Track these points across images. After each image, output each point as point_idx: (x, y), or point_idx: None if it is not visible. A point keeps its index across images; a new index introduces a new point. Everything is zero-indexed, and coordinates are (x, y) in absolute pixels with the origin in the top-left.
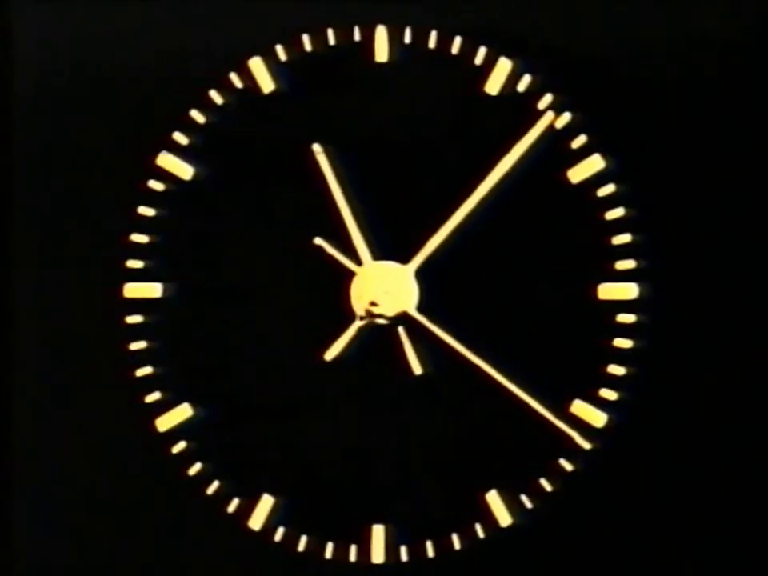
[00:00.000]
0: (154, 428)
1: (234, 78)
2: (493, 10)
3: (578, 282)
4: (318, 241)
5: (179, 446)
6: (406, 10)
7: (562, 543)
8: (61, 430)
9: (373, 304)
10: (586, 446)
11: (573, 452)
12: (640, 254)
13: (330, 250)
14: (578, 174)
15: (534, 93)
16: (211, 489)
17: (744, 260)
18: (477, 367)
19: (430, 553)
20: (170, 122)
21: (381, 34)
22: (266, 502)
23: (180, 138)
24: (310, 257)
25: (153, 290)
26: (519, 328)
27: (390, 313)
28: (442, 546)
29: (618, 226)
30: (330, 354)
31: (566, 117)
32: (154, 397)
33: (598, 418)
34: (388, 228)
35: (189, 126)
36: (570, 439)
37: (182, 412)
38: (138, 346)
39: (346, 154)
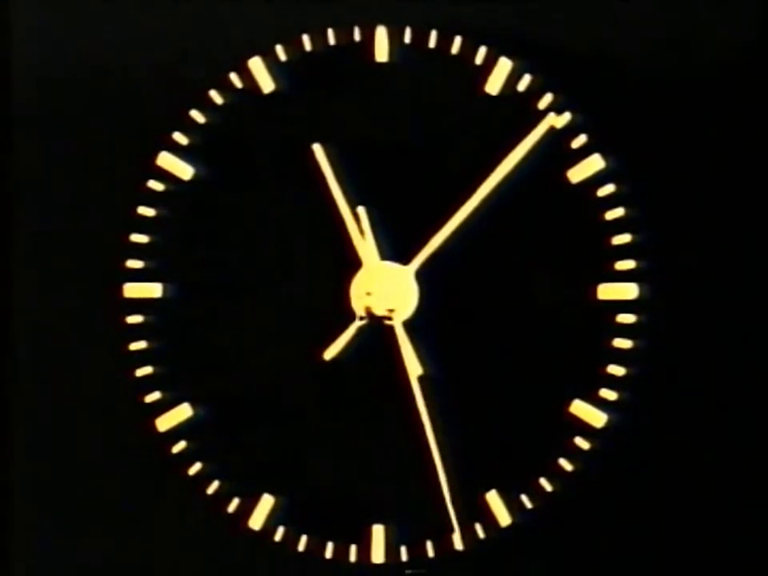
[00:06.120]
0: (154, 428)
1: (234, 77)
2: (493, 10)
3: (578, 282)
4: (359, 209)
5: (179, 446)
6: (406, 9)
7: (562, 543)
8: (61, 429)
9: (368, 294)
10: (584, 446)
11: (573, 452)
12: (640, 254)
13: (365, 224)
14: (577, 173)
15: (534, 93)
16: (211, 489)
17: (744, 260)
18: (473, 368)
19: (430, 553)
20: (169, 122)
21: (381, 34)
22: (266, 502)
23: (180, 137)
24: (309, 257)
25: (153, 290)
26: (519, 328)
27: (380, 312)
28: (442, 545)
29: (618, 226)
30: (329, 354)
31: (566, 117)
32: (153, 397)
33: (598, 418)
34: (388, 228)
35: (189, 126)
36: (570, 439)
37: (182, 412)
38: (137, 346)
39: (346, 154)
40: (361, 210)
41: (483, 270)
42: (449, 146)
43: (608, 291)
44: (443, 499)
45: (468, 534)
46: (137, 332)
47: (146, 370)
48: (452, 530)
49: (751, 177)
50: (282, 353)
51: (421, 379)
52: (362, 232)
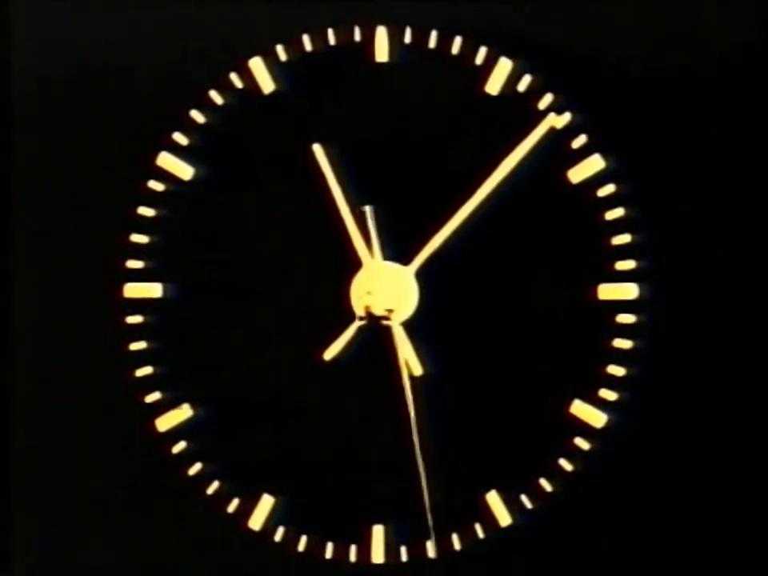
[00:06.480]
0: (154, 428)
1: (234, 77)
2: (493, 10)
3: (578, 282)
4: (366, 207)
5: (179, 446)
6: (406, 9)
7: (562, 543)
8: (61, 429)
9: (368, 294)
10: (584, 446)
11: (573, 452)
12: (640, 254)
13: (370, 222)
14: (578, 174)
15: (534, 93)
16: (211, 489)
17: (744, 260)
18: (474, 368)
19: (430, 553)
20: (170, 122)
21: (381, 34)
22: (266, 502)
23: (180, 137)
24: (309, 257)
25: (153, 290)
26: (519, 328)
27: (380, 312)
28: (442, 546)
29: (618, 226)
30: (329, 354)
31: (566, 117)
32: (154, 397)
33: (597, 418)
34: (388, 229)
35: (189, 126)
36: (570, 439)
37: (182, 412)
38: (137, 346)
39: (346, 154)
40: (368, 209)
41: (483, 270)
42: (449, 146)
43: (608, 291)
44: (443, 499)
45: (467, 534)
46: (137, 332)
47: (146, 370)
48: (451, 530)
49: (751, 177)
50: (282, 353)
51: (420, 379)
52: (367, 232)
